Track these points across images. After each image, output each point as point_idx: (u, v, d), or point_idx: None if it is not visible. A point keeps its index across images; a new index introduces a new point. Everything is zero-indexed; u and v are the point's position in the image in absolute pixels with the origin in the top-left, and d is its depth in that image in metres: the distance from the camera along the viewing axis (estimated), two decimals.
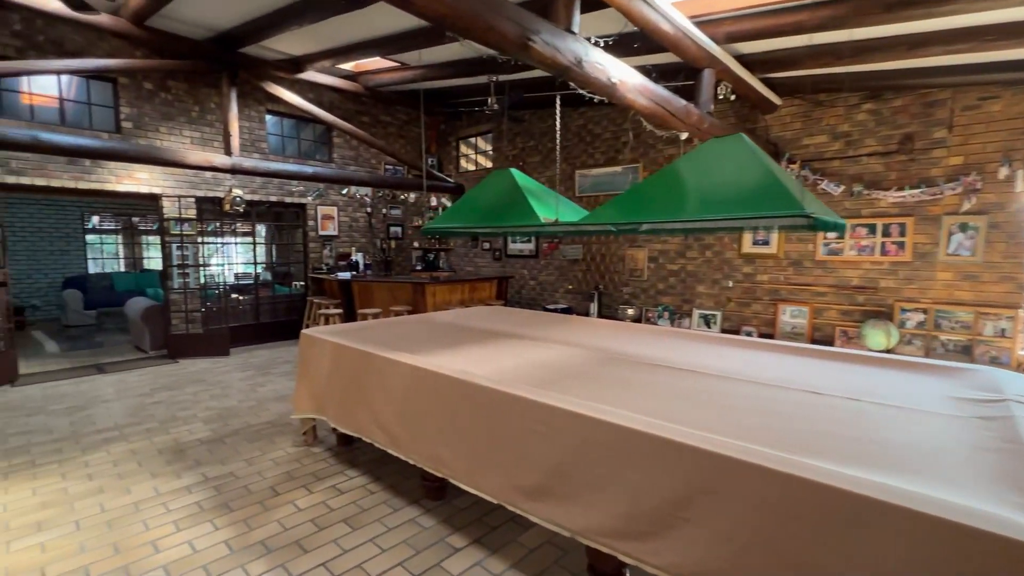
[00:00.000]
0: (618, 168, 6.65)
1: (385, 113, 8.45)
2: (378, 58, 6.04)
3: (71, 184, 5.51)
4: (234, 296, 7.36)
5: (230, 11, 4.86)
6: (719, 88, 4.34)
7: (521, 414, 2.07)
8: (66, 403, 4.52)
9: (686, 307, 6.18)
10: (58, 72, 4.86)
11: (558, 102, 4.95)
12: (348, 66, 6.70)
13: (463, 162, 9.04)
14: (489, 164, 8.48)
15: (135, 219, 10.65)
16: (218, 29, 5.45)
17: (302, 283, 8.47)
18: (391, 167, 8.52)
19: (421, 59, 5.83)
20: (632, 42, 3.97)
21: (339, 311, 5.80)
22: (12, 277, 8.88)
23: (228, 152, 5.94)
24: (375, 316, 5.71)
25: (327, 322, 6.16)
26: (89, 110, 5.71)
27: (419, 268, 8.98)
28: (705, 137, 4.03)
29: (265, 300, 7.35)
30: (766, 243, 5.50)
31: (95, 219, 10.16)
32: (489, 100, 5.50)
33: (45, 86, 5.45)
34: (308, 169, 6.62)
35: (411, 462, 2.63)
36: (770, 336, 5.38)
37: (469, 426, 2.30)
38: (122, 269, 10.57)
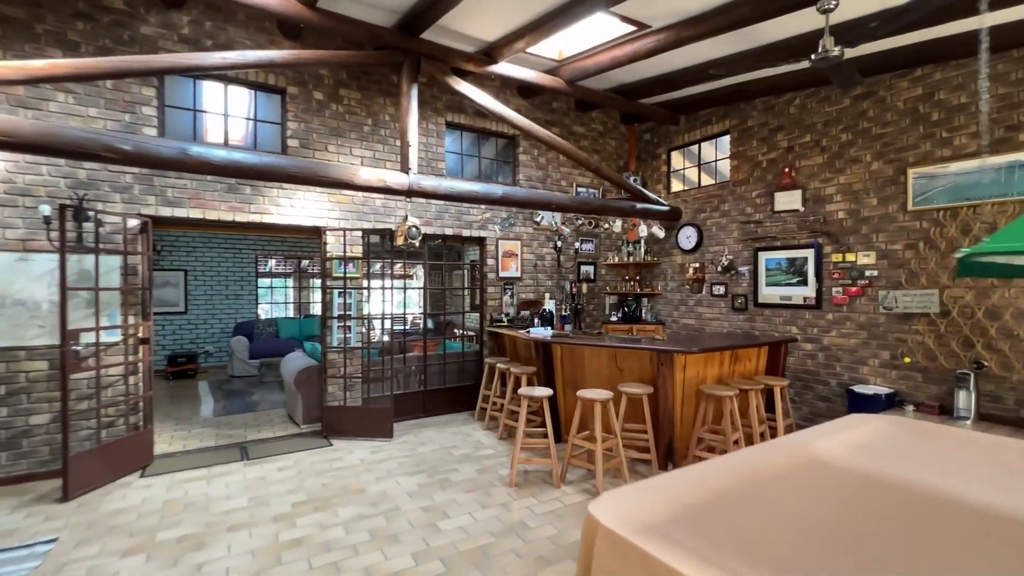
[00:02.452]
0: (1012, 156, 3.80)
1: (579, 123, 6.65)
2: (606, 24, 4.20)
3: (228, 216, 4.43)
4: (398, 356, 5.89)
5: None
6: None
7: None
8: (182, 526, 3.06)
9: None
10: (219, 68, 3.79)
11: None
12: (551, 54, 4.99)
13: (675, 181, 6.81)
14: (713, 179, 6.13)
15: (304, 262, 10.28)
16: (401, 10, 4.08)
17: (467, 332, 6.84)
18: (584, 189, 6.63)
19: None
20: None
21: (544, 393, 3.77)
22: (191, 322, 8.73)
23: (405, 169, 4.47)
24: (602, 404, 3.57)
25: (515, 401, 4.20)
26: (255, 128, 4.71)
27: (615, 319, 6.81)
28: None
29: (432, 359, 5.76)
30: None
31: (270, 263, 9.94)
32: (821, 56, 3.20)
33: (209, 103, 4.55)
34: (497, 190, 4.93)
35: None
36: None
37: None
38: (290, 315, 10.17)
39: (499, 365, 5.10)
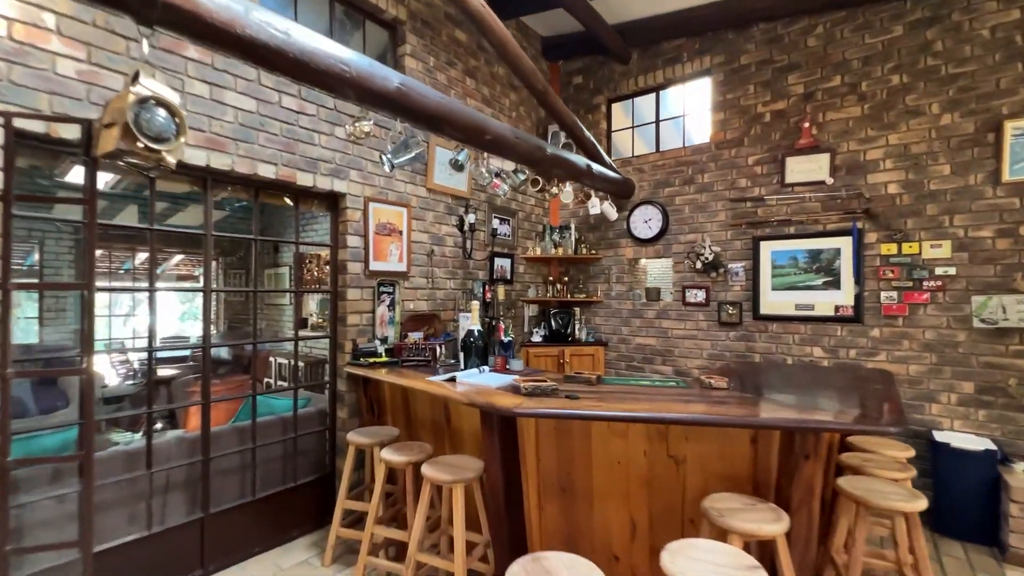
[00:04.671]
0: None
1: (479, 53, 4.26)
2: None
3: None
4: (127, 445, 2.73)
5: None
6: None
7: None
8: None
9: None
10: None
11: None
12: None
13: (617, 142, 4.89)
14: (682, 143, 4.38)
15: None
16: None
17: (301, 376, 3.93)
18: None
19: None
20: None
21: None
22: None
23: None
24: None
25: (432, 532, 1.56)
26: None
27: (537, 339, 4.58)
28: None
29: (226, 440, 2.69)
30: None
31: None
32: None
33: None
34: (390, 76, 2.24)
35: None
36: None
37: None
38: None
39: (383, 454, 2.38)
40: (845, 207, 3.57)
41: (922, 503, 1.83)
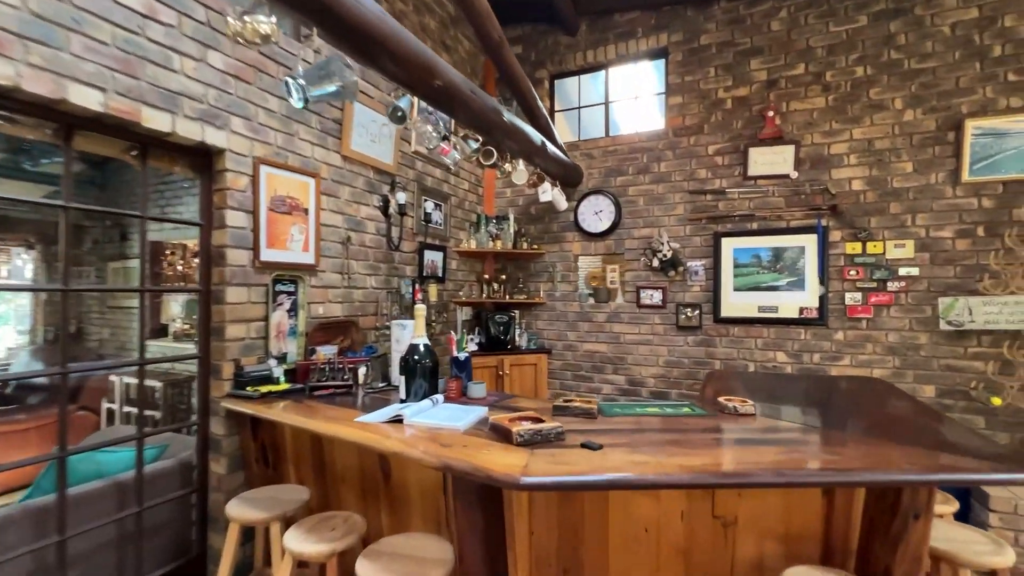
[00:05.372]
0: None
1: None
2: None
3: None
4: None
5: None
6: None
7: None
8: None
9: None
10: None
11: None
12: None
13: (564, 125, 4.36)
14: (636, 128, 3.98)
15: None
16: None
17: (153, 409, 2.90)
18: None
19: None
20: None
21: None
22: None
23: None
24: None
25: None
26: None
27: (473, 347, 3.89)
28: None
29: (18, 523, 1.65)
30: None
31: None
32: None
33: None
34: None
35: None
36: None
37: None
38: None
39: (289, 542, 1.54)
40: (810, 203, 3.37)
41: (1011, 556, 1.48)
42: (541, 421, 1.53)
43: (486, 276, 4.20)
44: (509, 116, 2.75)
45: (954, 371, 3.03)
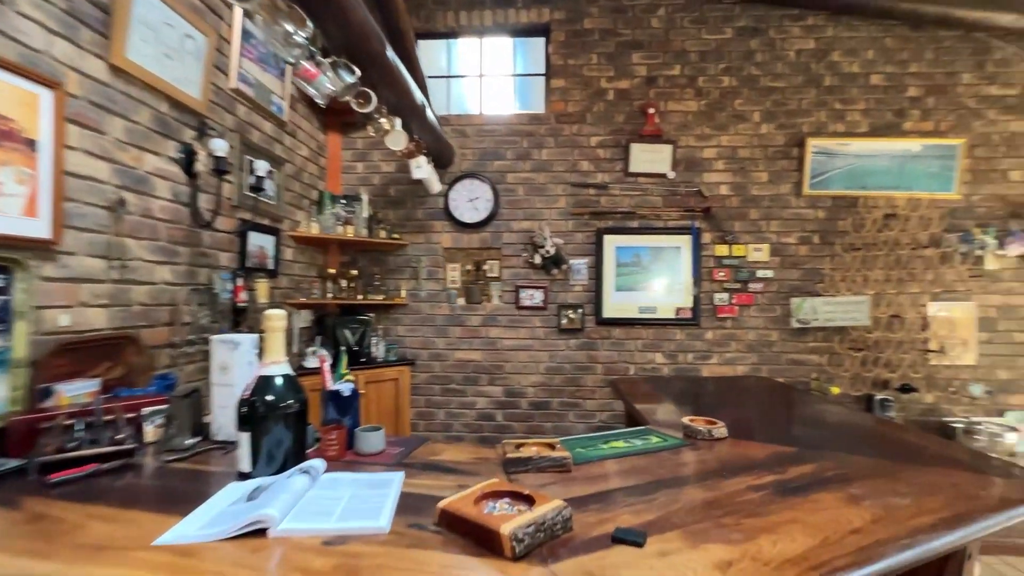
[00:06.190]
0: (910, 144, 3.32)
1: None
2: None
3: None
4: None
5: None
6: None
7: None
8: None
9: None
10: None
11: None
12: None
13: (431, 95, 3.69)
14: (516, 108, 3.58)
15: None
16: None
17: None
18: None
19: None
20: None
21: None
22: None
23: None
24: None
25: None
26: None
27: (313, 364, 3.01)
28: None
29: None
30: None
31: None
32: None
33: None
34: None
35: None
36: None
37: None
38: None
39: None
40: (684, 204, 3.40)
41: None
42: (517, 496, 0.93)
43: (331, 271, 3.30)
44: (392, 55, 2.03)
45: (797, 364, 3.35)
